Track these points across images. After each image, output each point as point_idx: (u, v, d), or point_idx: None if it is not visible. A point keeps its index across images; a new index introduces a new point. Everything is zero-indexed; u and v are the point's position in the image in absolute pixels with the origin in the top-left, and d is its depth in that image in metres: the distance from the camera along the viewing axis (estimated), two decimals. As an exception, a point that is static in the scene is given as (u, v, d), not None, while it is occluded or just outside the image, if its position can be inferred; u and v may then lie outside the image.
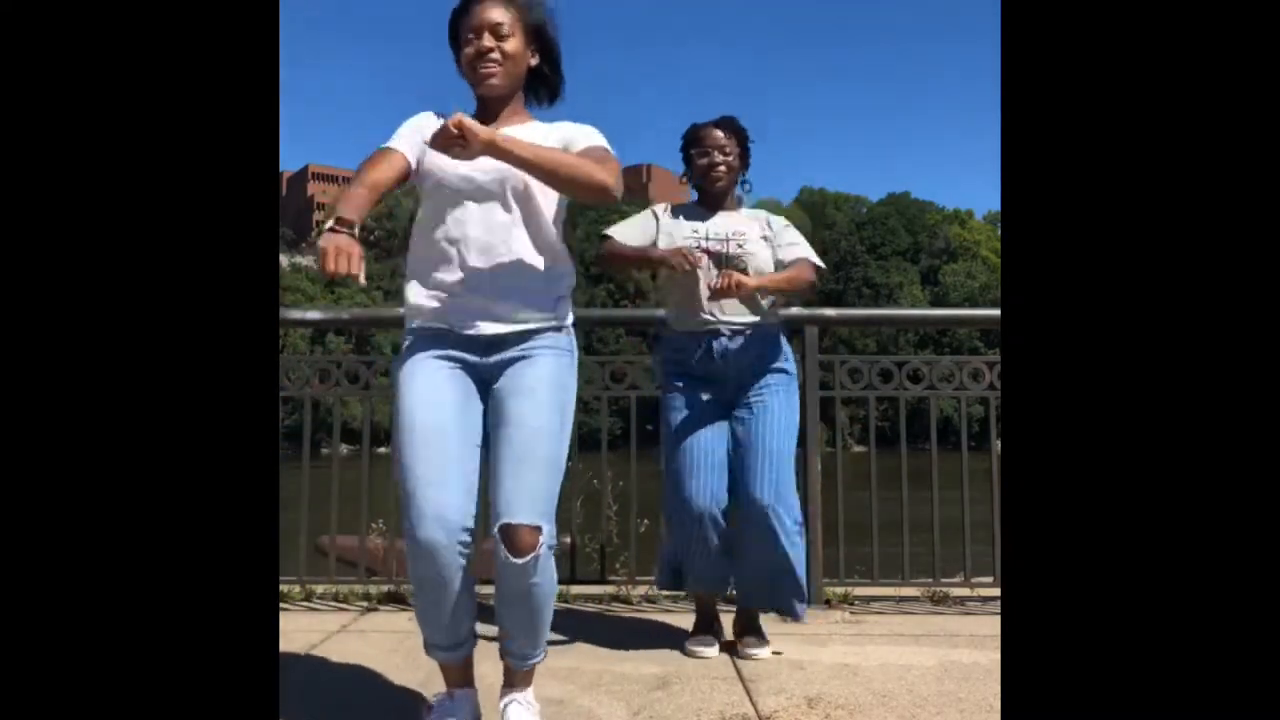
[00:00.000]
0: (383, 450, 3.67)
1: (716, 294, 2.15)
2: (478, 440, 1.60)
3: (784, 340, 2.39)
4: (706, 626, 2.34)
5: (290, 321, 3.21)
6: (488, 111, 1.67)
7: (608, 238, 2.35)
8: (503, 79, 1.64)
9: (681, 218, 2.38)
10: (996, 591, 2.84)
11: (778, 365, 2.33)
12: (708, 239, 2.31)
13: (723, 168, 2.33)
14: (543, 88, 1.74)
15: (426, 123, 1.64)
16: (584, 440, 3.06)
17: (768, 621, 2.43)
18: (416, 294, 1.63)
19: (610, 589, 2.96)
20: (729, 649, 2.29)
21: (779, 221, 2.43)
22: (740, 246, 2.30)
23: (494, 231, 1.59)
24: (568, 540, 3.19)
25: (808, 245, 2.39)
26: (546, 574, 1.54)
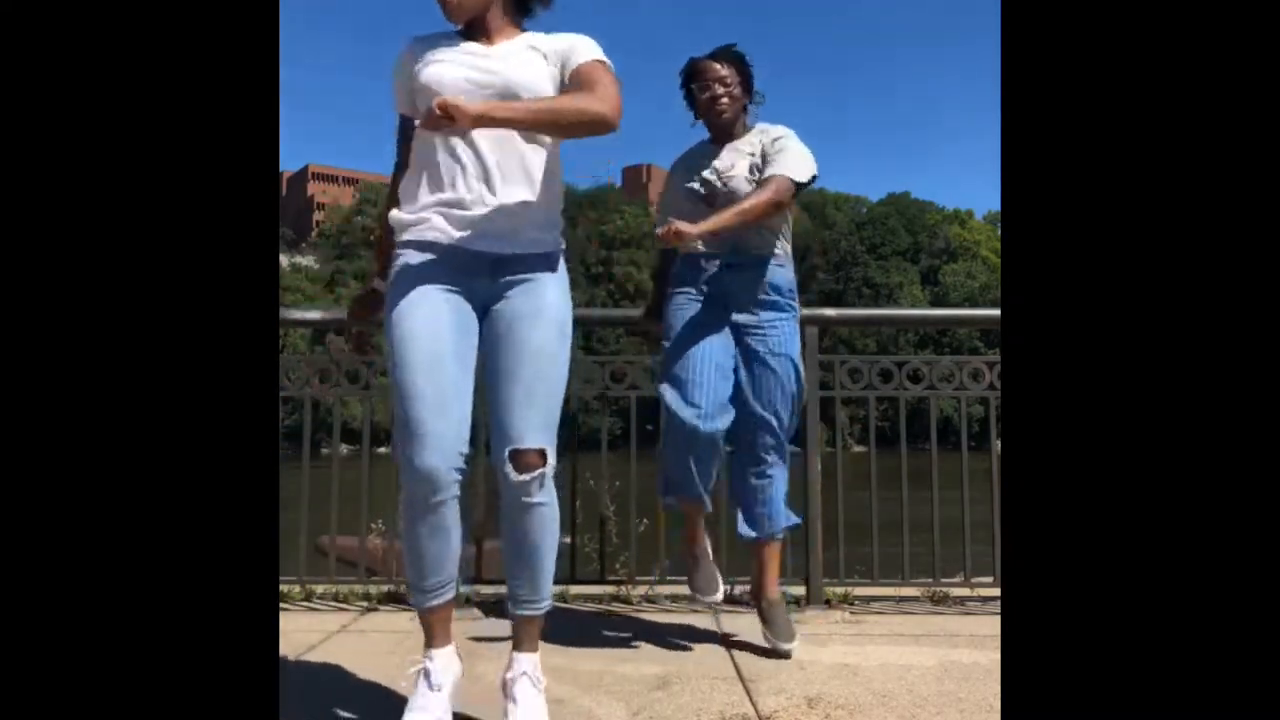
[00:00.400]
0: (383, 450, 3.67)
1: (660, 240, 2.08)
2: (471, 362, 1.60)
3: (783, 271, 2.32)
4: (698, 565, 2.36)
5: (290, 321, 3.21)
6: (475, 25, 1.64)
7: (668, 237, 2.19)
8: None
9: (686, 174, 2.34)
10: (996, 591, 2.84)
11: (772, 298, 2.29)
12: (701, 184, 2.28)
13: (725, 99, 2.27)
14: (521, 10, 1.69)
15: (412, 49, 1.65)
16: (584, 440, 3.06)
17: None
18: (419, 208, 1.60)
19: (610, 589, 2.96)
20: (740, 643, 2.28)
21: (772, 135, 2.30)
22: (725, 185, 2.25)
23: (503, 150, 1.58)
24: (567, 540, 3.19)
25: (794, 155, 2.24)
26: (550, 497, 1.57)
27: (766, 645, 2.23)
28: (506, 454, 1.53)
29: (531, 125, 1.50)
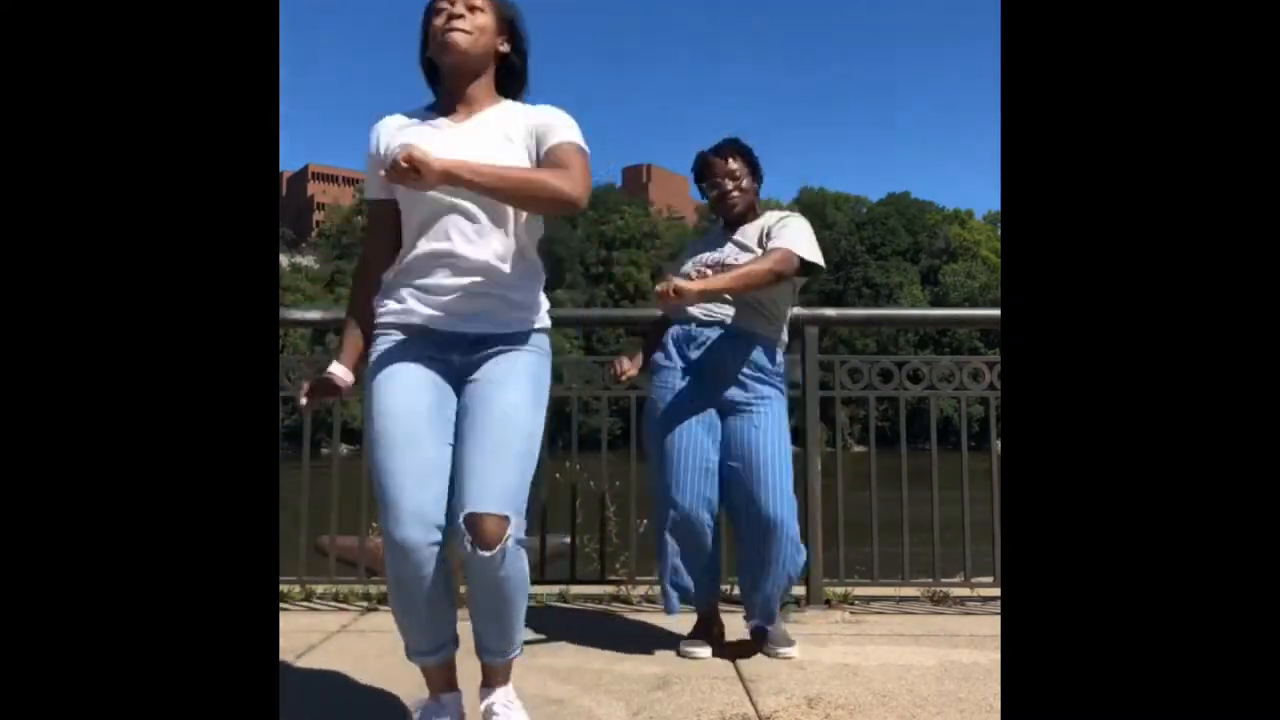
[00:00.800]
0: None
1: (661, 299, 2.10)
2: (450, 440, 1.55)
3: (773, 352, 2.34)
4: (705, 630, 2.33)
5: (290, 321, 3.21)
6: (451, 97, 1.63)
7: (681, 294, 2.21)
8: (471, 45, 1.58)
9: (691, 254, 2.41)
10: (996, 591, 2.84)
11: (760, 375, 2.29)
12: (706, 264, 2.32)
13: (735, 194, 2.36)
14: (511, 81, 1.70)
15: (386, 131, 1.64)
16: (584, 440, 3.07)
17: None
18: (398, 295, 1.60)
19: (610, 589, 2.96)
20: (735, 649, 2.29)
21: (775, 217, 2.38)
22: (729, 262, 2.29)
23: (473, 240, 1.56)
24: (567, 540, 3.19)
25: (797, 234, 2.30)
26: (515, 568, 1.50)
27: (768, 655, 2.22)
28: (462, 520, 1.45)
29: (497, 190, 1.47)
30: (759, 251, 2.29)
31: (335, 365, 1.64)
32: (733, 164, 2.35)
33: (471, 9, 1.59)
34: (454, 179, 1.41)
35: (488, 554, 1.45)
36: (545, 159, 1.57)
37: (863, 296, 69.45)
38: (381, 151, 1.61)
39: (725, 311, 2.28)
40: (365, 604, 2.83)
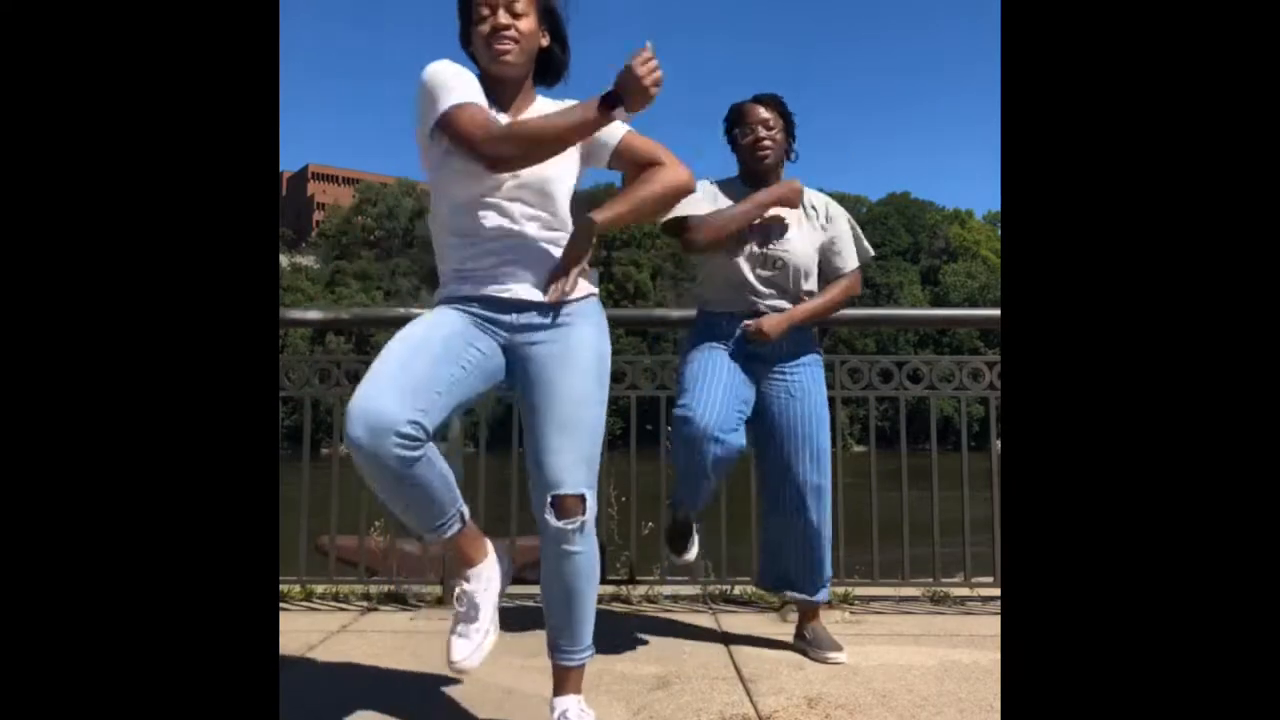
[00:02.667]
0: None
1: (749, 338, 2.21)
2: (459, 364, 1.52)
3: (815, 331, 2.42)
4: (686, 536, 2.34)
5: (290, 321, 3.21)
6: (498, 92, 1.63)
7: (688, 223, 2.21)
8: (517, 57, 1.60)
9: (725, 199, 2.32)
10: (996, 591, 2.84)
11: (811, 351, 2.35)
12: (767, 261, 2.27)
13: (768, 143, 2.28)
14: (549, 70, 1.71)
15: (477, 84, 1.58)
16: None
17: (768, 620, 2.43)
18: (456, 287, 1.61)
19: (610, 589, 2.96)
20: (793, 647, 2.29)
21: (821, 201, 2.38)
22: (780, 242, 2.26)
23: (522, 223, 1.58)
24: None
25: (853, 240, 2.39)
26: (588, 546, 1.56)
27: (815, 659, 2.20)
28: (548, 499, 1.52)
29: (644, 217, 1.62)
30: (790, 222, 2.28)
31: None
32: (767, 114, 2.30)
33: (515, 15, 1.59)
34: (605, 228, 1.57)
35: (564, 522, 1.52)
36: (624, 156, 1.64)
37: (862, 296, 69.30)
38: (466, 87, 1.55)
39: (754, 291, 2.26)
40: (365, 604, 2.83)
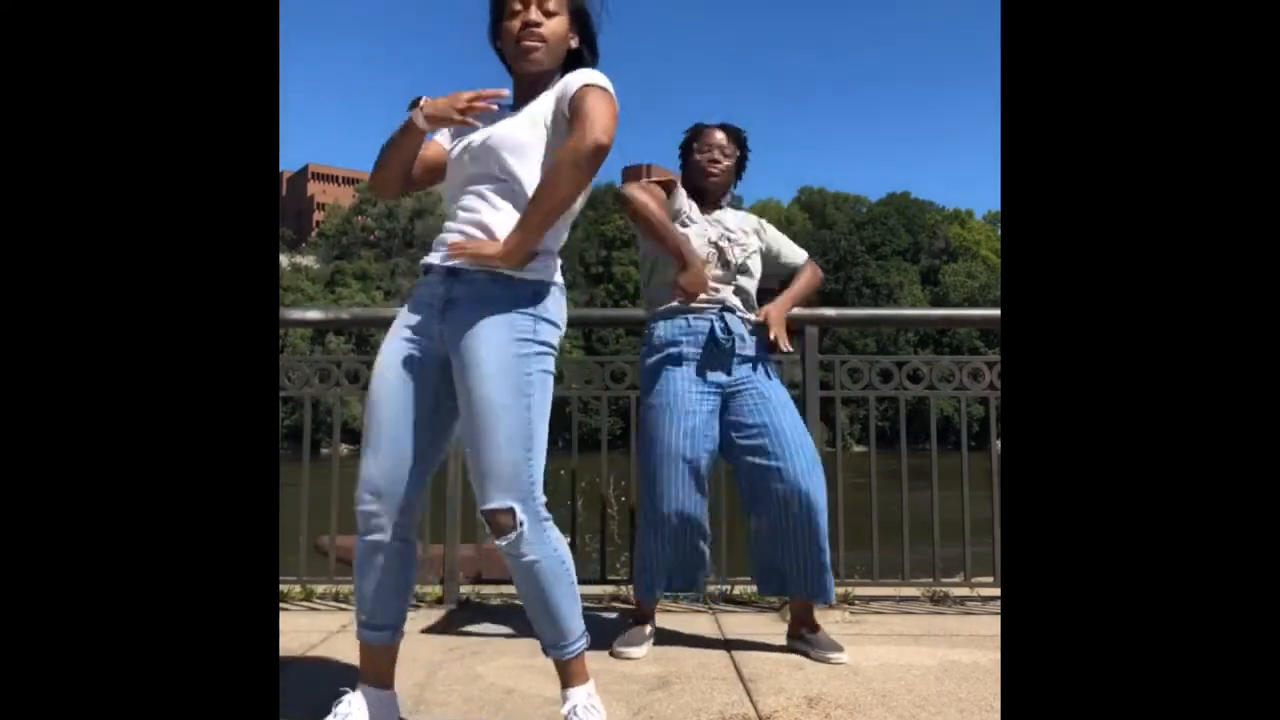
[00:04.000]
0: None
1: (772, 350, 2.34)
2: (419, 412, 1.58)
3: (755, 332, 2.44)
4: (641, 622, 2.34)
5: (290, 321, 3.21)
6: (522, 89, 1.65)
7: (629, 198, 2.25)
8: (545, 56, 1.62)
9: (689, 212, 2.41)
10: (996, 591, 2.85)
11: (763, 355, 2.38)
12: (711, 241, 2.35)
13: (718, 168, 2.40)
14: (578, 67, 1.68)
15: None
16: (584, 440, 3.06)
17: (768, 620, 2.43)
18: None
19: (610, 589, 2.96)
20: (791, 649, 2.28)
21: (755, 222, 2.55)
22: (743, 249, 2.38)
23: (480, 208, 1.59)
24: (567, 540, 3.19)
25: (789, 245, 2.58)
26: (542, 550, 1.53)
27: (816, 660, 2.19)
28: (480, 517, 1.53)
29: (550, 223, 1.53)
30: (743, 232, 2.42)
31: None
32: (726, 142, 2.42)
33: (547, 13, 1.60)
34: (525, 248, 1.51)
35: (503, 541, 1.50)
36: (570, 109, 1.53)
37: (863, 296, 69.40)
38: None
39: (720, 298, 2.33)
40: (365, 604, 2.82)
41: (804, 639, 2.27)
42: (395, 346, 1.61)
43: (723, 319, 2.30)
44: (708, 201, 2.42)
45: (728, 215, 2.44)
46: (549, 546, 1.55)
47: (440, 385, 1.59)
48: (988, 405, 2.98)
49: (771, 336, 2.33)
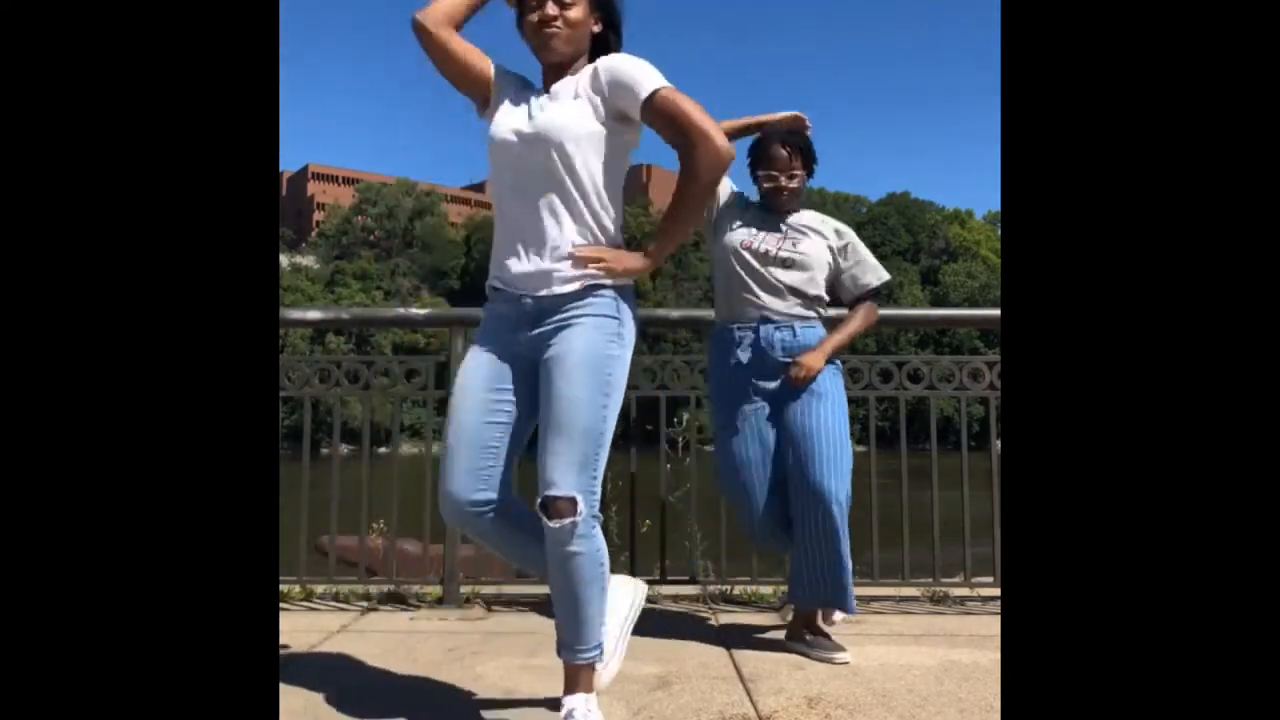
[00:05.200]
0: (383, 450, 3.66)
1: (793, 382, 2.28)
2: (502, 418, 1.66)
3: (817, 329, 2.41)
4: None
5: (290, 321, 3.21)
6: (549, 76, 1.69)
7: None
8: (565, 45, 1.65)
9: (741, 216, 2.41)
10: (996, 591, 2.84)
11: (831, 363, 2.36)
12: (762, 236, 2.35)
13: (786, 193, 2.37)
14: (604, 53, 1.71)
15: (501, 81, 1.71)
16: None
17: (768, 620, 2.43)
18: (495, 257, 1.70)
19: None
20: (788, 649, 2.28)
21: (834, 228, 2.48)
22: (794, 246, 2.35)
23: (537, 191, 1.61)
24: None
25: (870, 262, 2.46)
26: (588, 545, 1.56)
27: (817, 660, 2.19)
28: (538, 503, 1.56)
29: (687, 231, 1.67)
30: (807, 231, 2.38)
31: None
32: (791, 159, 2.36)
33: (563, 5, 1.63)
34: (656, 260, 1.64)
35: (556, 524, 1.53)
36: (654, 121, 1.59)
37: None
38: (498, 82, 1.71)
39: (791, 310, 2.33)
40: (365, 604, 2.83)
41: (804, 640, 2.27)
42: (483, 352, 1.68)
43: (764, 328, 2.31)
44: (780, 211, 2.41)
45: (804, 222, 2.42)
46: (594, 544, 1.58)
47: (509, 389, 1.67)
48: (988, 405, 2.98)
49: (792, 375, 2.28)
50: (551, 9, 1.62)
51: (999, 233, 3.86)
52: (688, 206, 1.61)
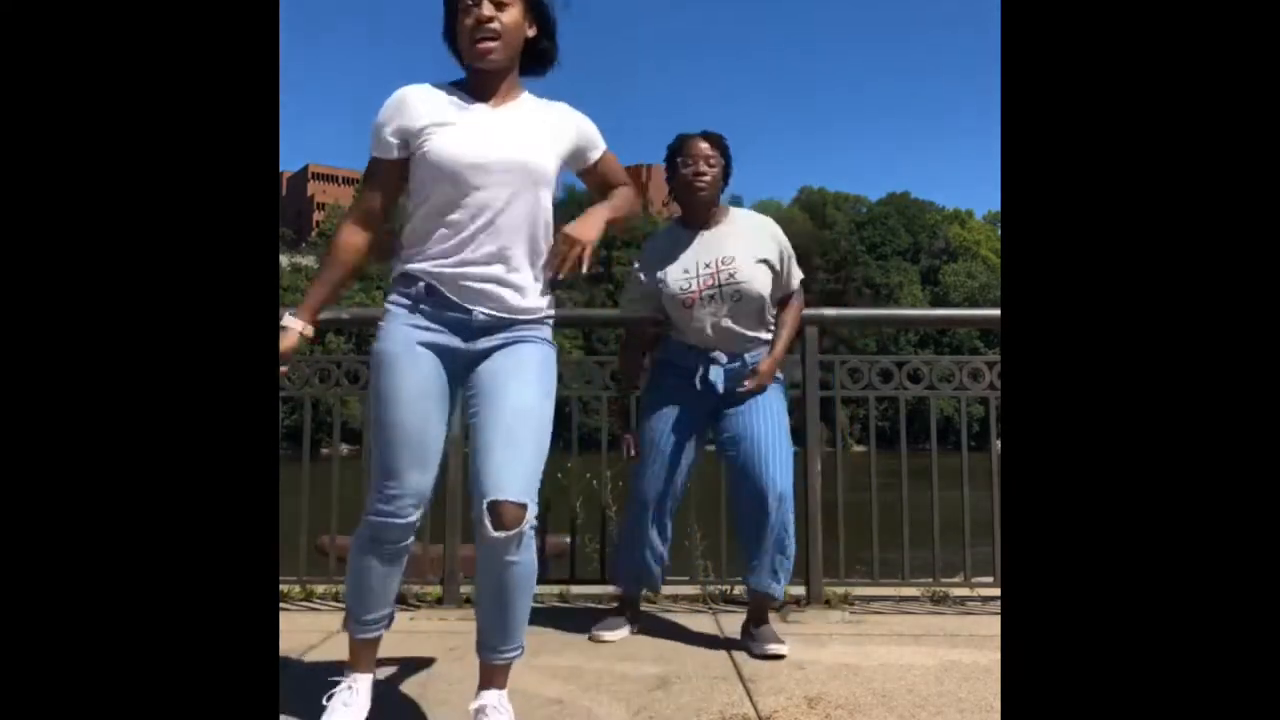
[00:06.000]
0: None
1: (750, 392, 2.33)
2: (443, 429, 1.64)
3: (763, 350, 2.42)
4: (621, 610, 2.50)
5: (290, 321, 3.20)
6: (482, 86, 1.64)
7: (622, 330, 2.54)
8: (502, 52, 1.60)
9: (664, 262, 2.38)
10: (996, 591, 2.84)
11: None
12: (698, 276, 2.33)
13: (707, 178, 2.35)
14: (536, 60, 1.71)
15: (415, 101, 1.61)
16: (584, 440, 3.06)
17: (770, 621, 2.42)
18: (418, 264, 1.61)
19: (610, 589, 2.96)
20: (736, 645, 2.30)
21: (774, 232, 2.44)
22: (732, 277, 2.31)
23: (508, 219, 1.59)
24: (567, 540, 3.19)
25: (793, 267, 2.44)
26: (526, 555, 1.55)
27: (756, 656, 2.22)
28: (485, 506, 1.50)
29: (621, 219, 1.76)
30: (739, 254, 2.33)
31: (290, 318, 1.60)
32: (710, 150, 2.37)
33: (499, 6, 1.58)
34: (599, 233, 1.64)
35: (504, 534, 1.50)
36: (600, 169, 1.77)
37: (863, 296, 69.34)
38: (412, 125, 1.60)
39: (722, 328, 2.34)
40: (365, 604, 2.82)
41: (749, 634, 2.31)
42: (417, 356, 1.59)
43: (711, 366, 2.33)
44: (699, 214, 2.38)
45: (721, 230, 2.38)
46: (531, 553, 1.58)
47: (447, 399, 1.64)
48: (988, 405, 2.98)
49: (746, 386, 2.30)
50: (488, 9, 1.57)
51: (999, 233, 3.86)
52: (617, 203, 1.76)
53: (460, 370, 1.63)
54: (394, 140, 1.61)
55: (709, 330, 2.32)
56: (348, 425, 3.39)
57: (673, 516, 2.43)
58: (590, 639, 2.36)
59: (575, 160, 1.73)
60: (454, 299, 1.59)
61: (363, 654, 1.72)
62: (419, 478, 1.59)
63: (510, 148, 1.58)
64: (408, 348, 1.59)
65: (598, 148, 1.75)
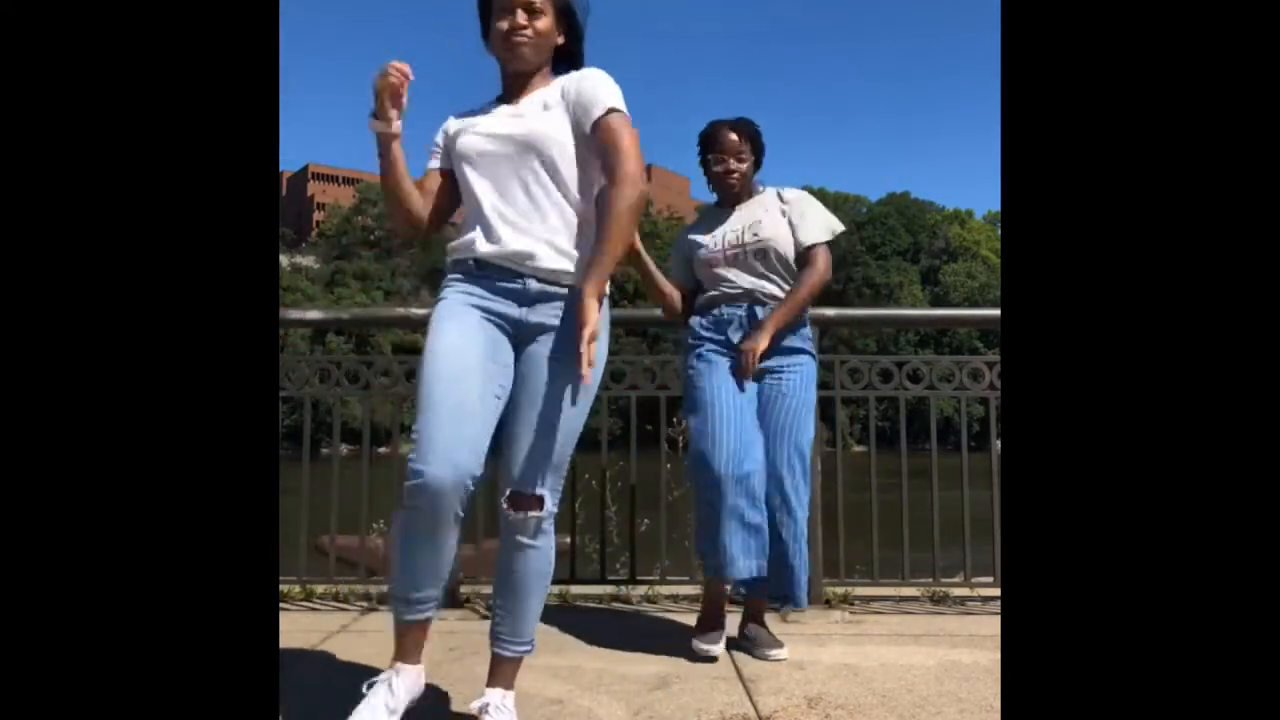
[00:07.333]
0: (383, 450, 3.66)
1: (743, 373, 2.27)
2: (498, 392, 1.59)
3: (804, 318, 2.42)
4: (715, 621, 2.28)
5: (290, 321, 3.21)
6: (512, 87, 1.73)
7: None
8: (532, 55, 1.69)
9: (700, 233, 2.44)
10: (996, 591, 2.85)
11: (796, 344, 2.37)
12: (724, 241, 2.37)
13: (736, 175, 2.40)
14: (566, 64, 1.77)
15: (452, 118, 1.77)
16: (584, 440, 3.06)
17: (770, 621, 2.42)
18: (463, 250, 1.66)
19: (610, 589, 2.96)
20: (734, 646, 2.29)
21: (790, 194, 2.46)
22: (756, 235, 2.35)
23: (521, 193, 1.63)
24: (567, 540, 3.19)
25: (819, 218, 2.41)
26: (545, 542, 1.60)
27: (757, 658, 2.21)
28: (506, 493, 1.58)
29: (624, 254, 1.65)
30: (766, 218, 2.36)
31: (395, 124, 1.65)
32: (740, 143, 2.40)
33: (532, 12, 1.66)
34: (601, 292, 1.54)
35: (523, 516, 1.56)
36: (594, 136, 1.63)
37: (863, 296, 69.33)
38: (447, 129, 1.75)
39: (748, 283, 2.34)
40: (365, 604, 2.83)
41: (745, 636, 2.29)
42: (467, 314, 1.60)
43: (752, 311, 2.33)
44: (734, 201, 2.44)
45: (753, 204, 2.43)
46: (549, 540, 1.62)
47: (506, 357, 1.63)
48: (988, 405, 2.98)
49: (741, 366, 2.27)
50: (521, 18, 1.66)
51: (999, 233, 3.86)
52: (612, 235, 1.56)
53: (520, 340, 1.64)
54: (436, 150, 1.77)
55: (739, 289, 2.34)
56: (347, 425, 3.38)
57: (762, 484, 2.21)
58: (693, 649, 2.20)
59: (577, 126, 1.66)
60: (504, 266, 1.62)
61: (406, 640, 1.62)
62: (453, 433, 1.47)
63: (509, 126, 1.65)
64: (458, 307, 1.62)
65: (591, 113, 1.63)
